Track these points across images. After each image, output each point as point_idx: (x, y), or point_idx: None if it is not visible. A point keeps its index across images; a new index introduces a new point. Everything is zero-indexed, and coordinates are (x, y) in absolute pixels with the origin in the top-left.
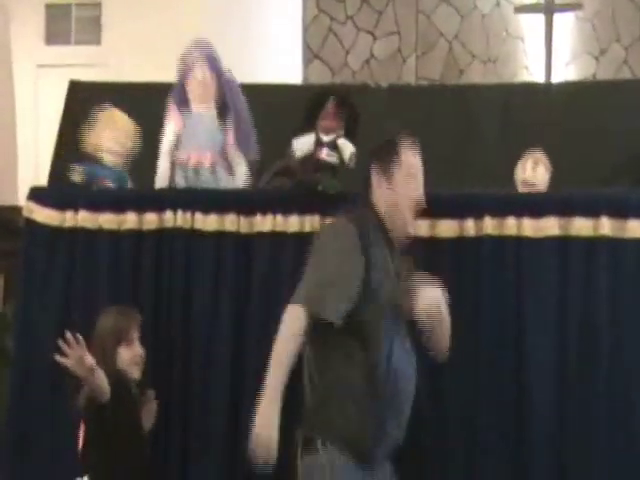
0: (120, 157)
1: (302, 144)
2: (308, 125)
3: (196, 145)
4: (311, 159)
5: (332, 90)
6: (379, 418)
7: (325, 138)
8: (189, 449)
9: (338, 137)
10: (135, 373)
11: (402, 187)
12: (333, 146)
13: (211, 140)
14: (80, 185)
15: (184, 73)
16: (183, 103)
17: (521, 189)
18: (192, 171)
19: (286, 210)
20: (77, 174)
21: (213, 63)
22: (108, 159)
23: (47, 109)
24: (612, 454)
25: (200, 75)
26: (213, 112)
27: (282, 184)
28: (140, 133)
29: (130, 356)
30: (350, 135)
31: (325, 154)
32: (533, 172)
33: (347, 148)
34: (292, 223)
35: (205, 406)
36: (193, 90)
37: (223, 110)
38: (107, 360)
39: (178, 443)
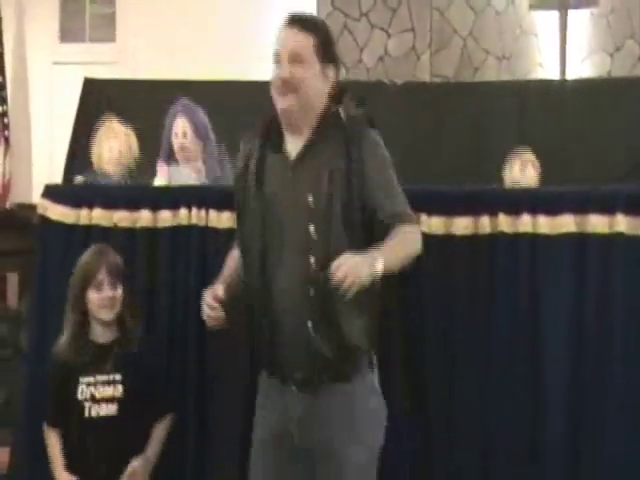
0: (120, 166)
1: None
2: None
3: None
4: None
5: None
6: None
7: None
8: (204, 452)
9: None
10: (104, 316)
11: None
12: None
13: None
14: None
15: (169, 133)
16: (171, 158)
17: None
18: None
19: None
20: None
21: (196, 125)
22: (109, 169)
23: (62, 106)
24: (627, 449)
25: (181, 139)
26: (199, 170)
27: None
28: (141, 137)
29: (98, 299)
30: None
31: None
32: (521, 174)
33: None
34: None
35: (221, 403)
36: (176, 152)
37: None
38: (77, 305)
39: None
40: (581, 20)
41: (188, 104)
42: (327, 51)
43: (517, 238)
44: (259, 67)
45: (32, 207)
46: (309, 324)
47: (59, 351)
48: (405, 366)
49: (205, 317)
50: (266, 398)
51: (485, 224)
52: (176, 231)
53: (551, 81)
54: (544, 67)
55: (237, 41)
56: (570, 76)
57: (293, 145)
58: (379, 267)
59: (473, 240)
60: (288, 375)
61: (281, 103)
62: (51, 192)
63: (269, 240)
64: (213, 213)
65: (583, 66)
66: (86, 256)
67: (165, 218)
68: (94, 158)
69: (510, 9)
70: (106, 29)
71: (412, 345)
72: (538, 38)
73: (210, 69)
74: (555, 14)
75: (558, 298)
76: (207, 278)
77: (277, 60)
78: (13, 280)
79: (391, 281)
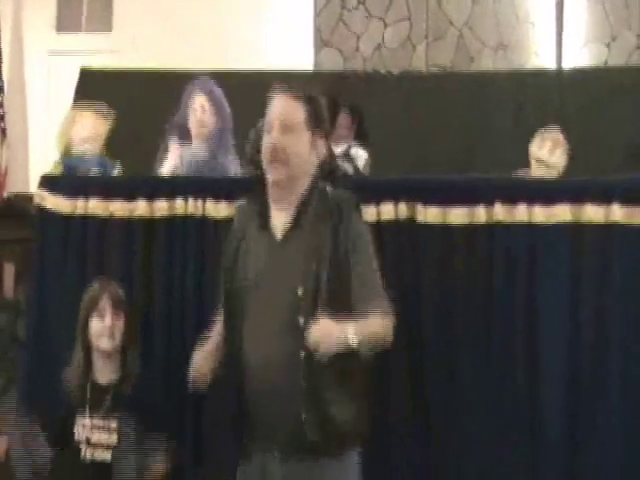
0: (94, 142)
1: None
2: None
3: None
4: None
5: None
6: None
7: (337, 149)
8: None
9: (350, 146)
10: (104, 345)
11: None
12: (346, 156)
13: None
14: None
15: (185, 110)
16: (186, 138)
17: (534, 167)
18: None
19: None
20: (56, 167)
21: (214, 99)
22: (85, 150)
23: (58, 96)
24: (626, 444)
25: (199, 114)
26: (212, 148)
27: None
28: (138, 126)
29: (99, 327)
30: (361, 136)
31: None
32: (550, 154)
33: (360, 157)
34: None
35: (217, 393)
36: (194, 128)
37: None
38: (82, 337)
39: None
40: (578, 9)
41: (208, 80)
42: (318, 122)
43: (513, 227)
44: (254, 56)
45: (29, 197)
46: (302, 413)
47: (63, 383)
48: (405, 355)
49: (191, 379)
50: (247, 465)
51: (481, 214)
52: (173, 221)
53: (547, 70)
54: (540, 56)
55: (233, 30)
56: (566, 65)
57: (279, 220)
58: (351, 341)
59: (469, 230)
60: (271, 442)
61: (272, 174)
62: (48, 182)
63: (254, 318)
64: (210, 203)
65: (579, 55)
66: (91, 288)
67: (161, 208)
68: (60, 149)
69: None
70: (103, 19)
71: (411, 334)
72: (534, 27)
73: (208, 59)
74: (552, 3)
75: (555, 287)
76: (204, 267)
77: (269, 129)
78: (9, 270)
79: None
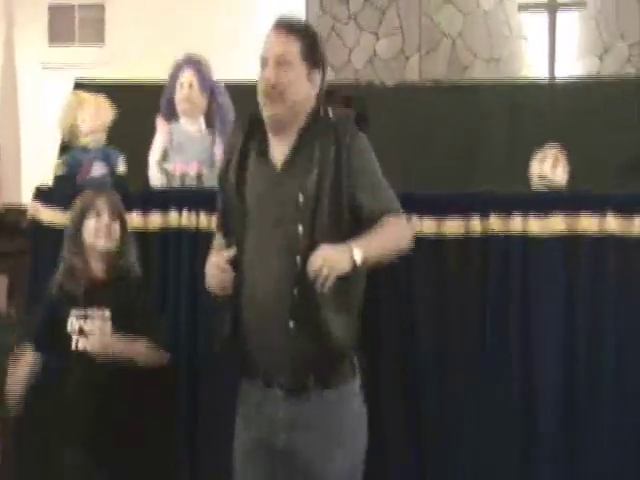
0: (99, 133)
1: None
2: None
3: (181, 158)
4: None
5: (339, 90)
6: None
7: None
8: (197, 449)
9: None
10: (101, 244)
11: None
12: None
13: (197, 156)
14: (67, 177)
15: (172, 86)
16: (172, 115)
17: (536, 183)
18: (178, 179)
19: None
20: (58, 167)
21: (202, 77)
22: (88, 140)
23: (51, 109)
24: (618, 455)
25: (186, 90)
26: (201, 126)
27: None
28: (133, 138)
29: (95, 226)
30: (360, 121)
31: None
32: (552, 171)
33: None
34: None
35: (213, 409)
36: (179, 104)
37: (212, 122)
38: (74, 238)
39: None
40: (570, 22)
41: (195, 56)
42: (314, 55)
43: (508, 239)
44: (247, 69)
45: (21, 209)
46: (291, 324)
47: (54, 285)
48: (398, 366)
49: (214, 281)
50: (248, 406)
51: (476, 225)
52: (166, 234)
53: (542, 81)
54: (533, 69)
55: (225, 44)
56: (559, 78)
57: (279, 149)
58: (357, 258)
59: (465, 241)
60: (272, 379)
61: (268, 110)
62: (42, 195)
63: (251, 240)
64: (204, 216)
65: (572, 68)
66: (85, 193)
67: (155, 221)
68: (64, 134)
69: (499, 11)
70: (95, 31)
71: (405, 345)
72: (527, 40)
73: None
74: (544, 16)
75: (549, 298)
76: (197, 280)
77: (264, 64)
78: (2, 283)
79: (375, 280)
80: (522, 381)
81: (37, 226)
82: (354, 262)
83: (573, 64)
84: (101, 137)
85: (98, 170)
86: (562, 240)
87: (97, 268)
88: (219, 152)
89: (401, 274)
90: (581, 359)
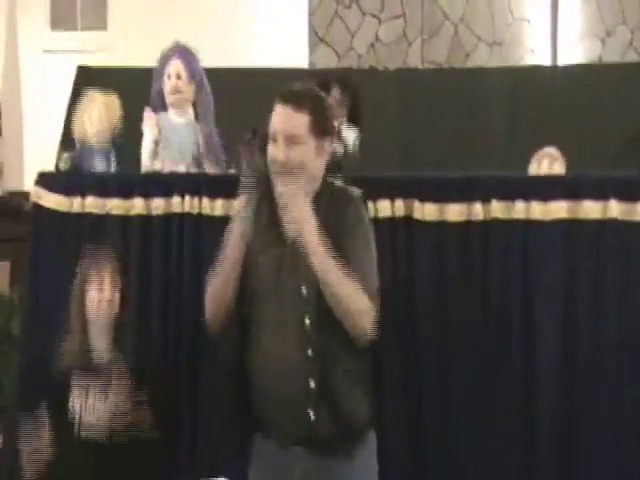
0: (105, 134)
1: None
2: None
3: (169, 156)
4: None
5: (334, 76)
6: None
7: None
8: (199, 449)
9: (340, 125)
10: (102, 318)
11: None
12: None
13: (184, 151)
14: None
15: (161, 77)
16: (162, 106)
17: None
18: None
19: None
20: (63, 162)
21: (191, 67)
22: (95, 141)
23: (53, 95)
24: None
25: (174, 80)
26: (189, 118)
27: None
28: (136, 124)
29: (97, 298)
30: (354, 119)
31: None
32: (549, 170)
33: (350, 136)
34: None
35: (213, 387)
36: (168, 96)
37: (198, 112)
38: (75, 308)
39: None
40: (572, 6)
41: (184, 47)
42: (322, 126)
43: (510, 224)
44: (249, 54)
45: (24, 194)
46: (310, 412)
47: (65, 356)
48: (399, 352)
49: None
50: (261, 461)
51: (478, 211)
52: (169, 219)
53: (543, 67)
54: (535, 53)
55: (228, 28)
56: (561, 62)
57: None
58: (308, 232)
59: (466, 227)
60: (288, 442)
61: (279, 187)
62: (44, 180)
63: (267, 307)
64: (206, 201)
65: (574, 52)
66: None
67: (158, 206)
68: (76, 134)
69: None
70: (98, 17)
71: (406, 332)
72: (529, 23)
73: (203, 56)
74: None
75: (551, 284)
76: (201, 265)
77: (273, 139)
78: (5, 268)
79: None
80: (523, 364)
81: (39, 211)
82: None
83: (575, 47)
84: (105, 136)
85: (99, 167)
86: (564, 225)
87: (100, 343)
88: (202, 142)
89: (403, 259)
90: (582, 344)
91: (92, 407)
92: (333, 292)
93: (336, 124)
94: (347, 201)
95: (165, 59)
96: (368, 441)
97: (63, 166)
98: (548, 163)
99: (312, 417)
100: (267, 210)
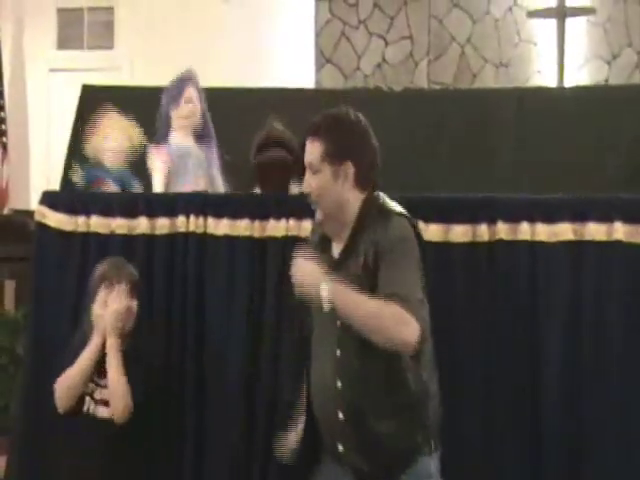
0: (120, 156)
1: None
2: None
3: (186, 180)
4: None
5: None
6: None
7: None
8: (204, 453)
9: None
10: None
11: None
12: None
13: (198, 170)
14: (80, 187)
15: (174, 101)
16: (163, 137)
17: None
18: None
19: (299, 215)
20: (76, 175)
21: (199, 92)
22: (109, 160)
23: (59, 113)
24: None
25: (191, 106)
26: (192, 141)
27: (274, 155)
28: (143, 133)
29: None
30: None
31: None
32: None
33: None
34: (305, 227)
35: (220, 409)
36: (182, 120)
37: (200, 136)
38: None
39: (192, 445)
40: (579, 28)
41: (195, 73)
42: (338, 152)
43: (516, 245)
44: (256, 74)
45: (29, 213)
46: (340, 447)
47: (71, 350)
48: None
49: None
50: (319, 473)
51: (484, 232)
52: (173, 238)
53: (550, 88)
54: (542, 74)
55: (235, 49)
56: (568, 83)
57: (336, 248)
58: (324, 294)
59: (472, 247)
60: (340, 460)
61: (316, 216)
62: (49, 199)
63: (314, 342)
64: (211, 220)
65: (581, 73)
66: (102, 267)
67: (162, 225)
68: (89, 150)
69: (508, 17)
70: (104, 36)
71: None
72: (536, 46)
73: (210, 76)
74: (553, 22)
75: (556, 305)
76: (205, 284)
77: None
78: (10, 287)
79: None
80: (529, 384)
81: (43, 230)
82: (321, 296)
83: (582, 69)
84: (120, 159)
85: (110, 189)
86: (570, 247)
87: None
88: (217, 174)
89: None
90: (588, 364)
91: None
92: (361, 327)
93: None
94: (387, 220)
95: (180, 85)
96: (414, 467)
97: (75, 179)
98: None
99: (340, 448)
100: (319, 238)
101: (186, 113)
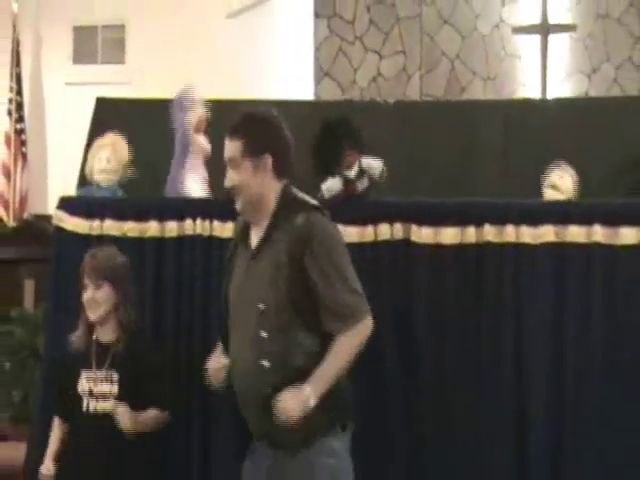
0: (113, 175)
1: (331, 187)
2: (330, 171)
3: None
4: (343, 196)
5: (344, 135)
6: None
7: (351, 173)
8: (209, 452)
9: (360, 164)
10: (90, 316)
11: None
12: (360, 173)
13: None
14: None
15: (186, 122)
16: (184, 157)
17: (548, 193)
18: None
19: None
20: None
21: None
22: (102, 179)
23: (75, 123)
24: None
25: (204, 125)
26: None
27: None
28: (149, 154)
29: (84, 300)
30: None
31: (359, 188)
32: (560, 180)
33: (374, 167)
34: None
35: (227, 416)
36: (201, 140)
37: None
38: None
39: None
40: (561, 44)
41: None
42: (256, 146)
43: (502, 247)
44: (259, 87)
45: (47, 218)
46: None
47: (69, 345)
48: (399, 367)
49: (209, 380)
50: (249, 456)
51: (472, 234)
52: (182, 240)
53: (533, 100)
54: (526, 87)
55: (240, 63)
56: (551, 96)
57: (255, 236)
58: (311, 403)
59: (461, 249)
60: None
61: (236, 206)
62: (65, 204)
63: (233, 327)
64: (217, 223)
65: (563, 86)
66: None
67: (171, 228)
68: (87, 172)
69: (495, 33)
70: (116, 52)
71: (405, 347)
72: (521, 60)
73: (215, 90)
74: (537, 38)
75: (540, 302)
76: (211, 284)
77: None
78: (30, 287)
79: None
80: (514, 379)
81: (60, 233)
82: (308, 405)
83: (563, 83)
84: (112, 178)
85: None
86: (552, 249)
87: (102, 333)
88: None
89: (402, 279)
90: (569, 361)
91: (99, 390)
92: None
93: (356, 166)
94: (307, 219)
95: (192, 104)
96: (316, 445)
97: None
98: (559, 175)
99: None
100: (241, 230)
101: (201, 131)
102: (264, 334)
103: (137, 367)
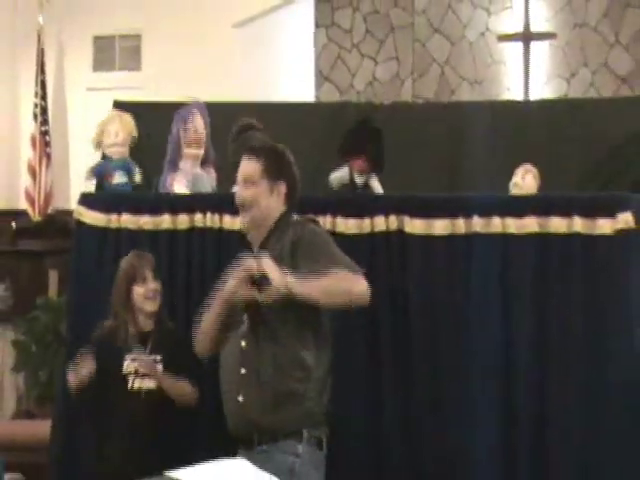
0: (122, 147)
1: (338, 178)
2: (341, 160)
3: None
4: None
5: (370, 140)
6: None
7: (358, 179)
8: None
9: (369, 178)
10: (149, 307)
11: None
12: (365, 186)
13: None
14: (96, 185)
15: (179, 133)
16: (173, 164)
17: (513, 191)
18: None
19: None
20: (88, 176)
21: (206, 119)
22: (113, 152)
23: (95, 126)
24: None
25: (200, 133)
26: (198, 166)
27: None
28: (151, 141)
29: (143, 291)
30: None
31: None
32: (522, 179)
33: (377, 189)
34: None
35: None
36: (194, 148)
37: (202, 162)
38: (122, 300)
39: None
40: (542, 50)
41: (203, 105)
42: (274, 171)
43: (489, 237)
44: (264, 92)
45: (70, 212)
46: (240, 398)
47: (105, 330)
48: (390, 351)
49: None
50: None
51: (461, 225)
52: (193, 233)
53: (517, 101)
54: (511, 90)
55: (247, 69)
56: (533, 98)
57: (254, 246)
58: (287, 284)
59: (451, 239)
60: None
61: (240, 219)
62: (85, 199)
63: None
64: (227, 217)
65: (543, 90)
66: (128, 259)
67: (183, 221)
68: (98, 148)
69: (482, 41)
70: (133, 60)
71: (398, 335)
72: (506, 66)
73: (222, 94)
74: (520, 45)
75: (525, 288)
76: (220, 275)
77: (237, 183)
78: (54, 276)
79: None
80: (500, 367)
81: (80, 226)
82: (285, 286)
83: (544, 86)
84: (123, 150)
85: (118, 179)
86: (536, 239)
87: (145, 323)
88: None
89: (396, 268)
90: (553, 340)
91: (144, 370)
92: (322, 299)
93: (365, 177)
94: (300, 227)
95: (187, 113)
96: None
97: (89, 179)
98: (522, 173)
99: (241, 399)
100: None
101: (194, 139)
102: (243, 344)
103: (173, 347)
